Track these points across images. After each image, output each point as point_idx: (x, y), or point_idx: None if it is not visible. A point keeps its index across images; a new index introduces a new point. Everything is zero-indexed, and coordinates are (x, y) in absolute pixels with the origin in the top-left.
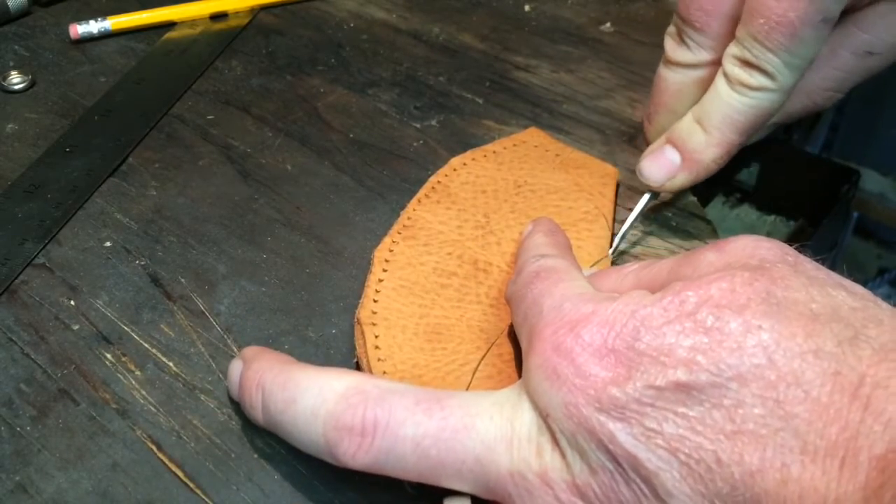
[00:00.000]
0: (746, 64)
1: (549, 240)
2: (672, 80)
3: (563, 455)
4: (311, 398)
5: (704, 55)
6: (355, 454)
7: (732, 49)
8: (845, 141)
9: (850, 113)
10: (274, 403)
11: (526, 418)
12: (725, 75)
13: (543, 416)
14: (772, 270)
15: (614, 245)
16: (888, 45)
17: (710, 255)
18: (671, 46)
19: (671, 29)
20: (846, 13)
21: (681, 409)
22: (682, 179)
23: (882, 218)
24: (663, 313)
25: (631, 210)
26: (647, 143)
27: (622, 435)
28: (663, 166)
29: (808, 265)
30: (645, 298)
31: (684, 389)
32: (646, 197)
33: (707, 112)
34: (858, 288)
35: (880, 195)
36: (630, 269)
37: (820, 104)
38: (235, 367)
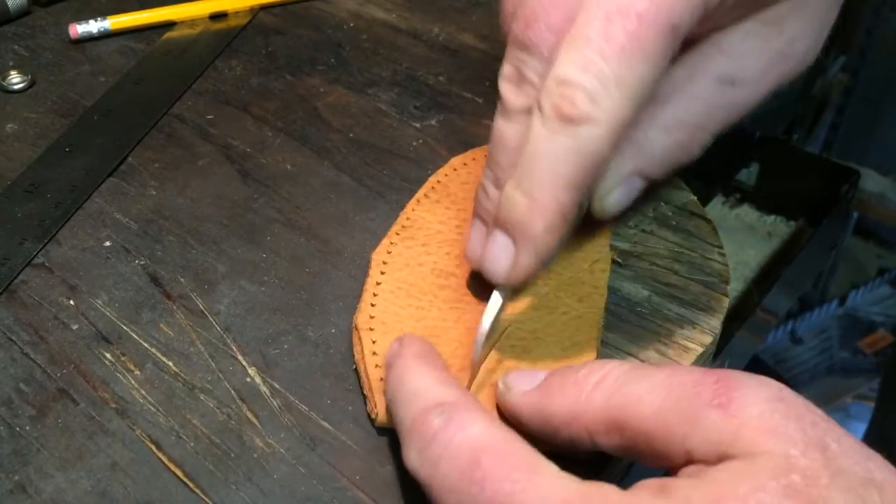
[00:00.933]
0: (565, 84)
1: (434, 373)
2: (518, 134)
3: None
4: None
5: None
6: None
7: (551, 72)
8: (845, 141)
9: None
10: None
11: None
12: (541, 110)
13: None
14: (804, 473)
15: (475, 351)
16: (753, 72)
17: (714, 417)
18: (510, 91)
19: (507, 70)
20: (705, 35)
21: None
22: (523, 264)
23: (882, 218)
24: None
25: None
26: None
27: None
28: (499, 255)
29: (834, 445)
30: None
31: None
32: (496, 296)
33: (525, 171)
34: (888, 475)
35: (880, 195)
36: (592, 380)
37: (684, 144)
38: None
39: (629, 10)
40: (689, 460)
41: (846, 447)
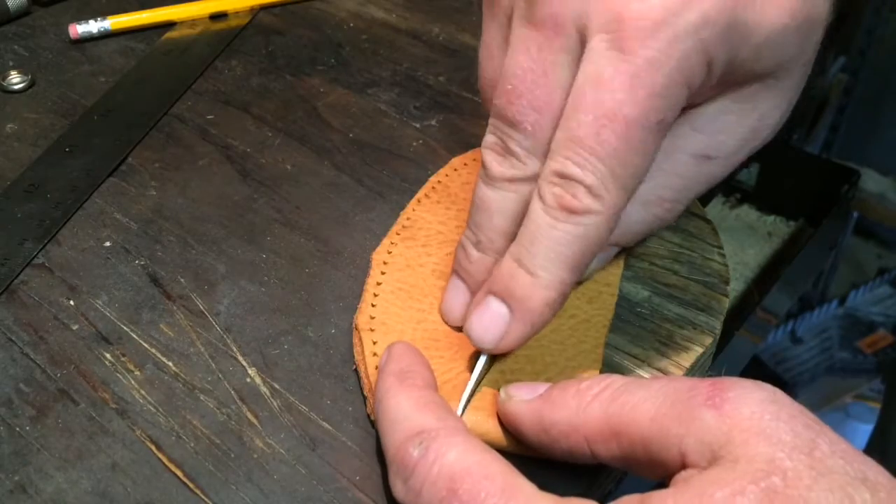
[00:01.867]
0: (566, 179)
1: (412, 395)
2: (503, 200)
3: None
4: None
5: (537, 165)
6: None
7: (549, 164)
8: (845, 141)
9: (850, 113)
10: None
11: None
12: (541, 199)
13: None
14: (785, 475)
15: (460, 409)
16: (724, 147)
17: (708, 417)
18: (494, 160)
19: (490, 139)
20: (681, 112)
21: None
22: (517, 334)
23: (882, 218)
24: None
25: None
26: (471, 285)
27: None
28: (491, 323)
29: (825, 446)
30: None
31: None
32: (482, 360)
33: (527, 249)
34: (882, 478)
35: (880, 195)
36: (592, 392)
37: (663, 218)
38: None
39: (616, 114)
40: (683, 464)
41: (839, 449)
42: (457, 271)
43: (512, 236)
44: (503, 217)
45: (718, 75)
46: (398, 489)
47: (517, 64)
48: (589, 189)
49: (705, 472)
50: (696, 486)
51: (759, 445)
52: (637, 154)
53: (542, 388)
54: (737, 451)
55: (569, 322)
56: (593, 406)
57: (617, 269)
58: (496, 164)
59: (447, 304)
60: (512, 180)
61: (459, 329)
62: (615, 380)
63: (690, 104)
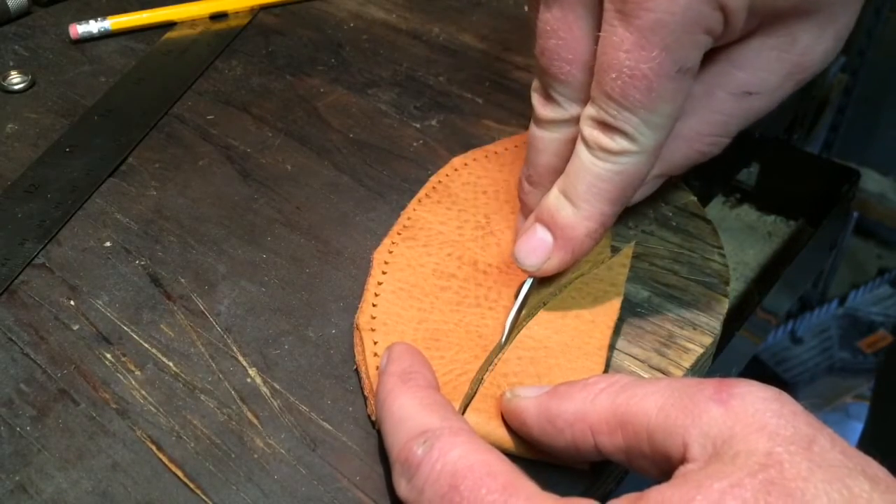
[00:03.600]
0: (604, 126)
1: (415, 394)
2: (549, 139)
3: None
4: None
5: (576, 109)
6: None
7: (588, 110)
8: (845, 141)
9: (850, 113)
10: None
11: None
12: (584, 140)
13: None
14: (782, 467)
15: (504, 335)
16: (766, 83)
17: (714, 411)
18: (539, 103)
19: (536, 84)
20: (719, 50)
21: None
22: (558, 260)
23: (882, 218)
24: None
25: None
26: (526, 214)
27: None
28: (536, 248)
29: (824, 441)
30: None
31: None
32: (527, 284)
33: (572, 183)
34: (882, 473)
35: (880, 195)
36: (600, 386)
37: (706, 151)
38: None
39: (635, 72)
40: (684, 458)
41: (838, 446)
42: (521, 204)
43: (559, 171)
44: (549, 154)
45: (743, 15)
46: (402, 488)
47: (545, 20)
48: (624, 133)
49: (704, 467)
50: (694, 480)
51: (760, 441)
52: (664, 101)
53: (546, 388)
54: (737, 446)
55: (573, 322)
56: (601, 397)
57: (623, 270)
58: (540, 107)
59: (518, 230)
60: (554, 122)
61: (458, 326)
62: (622, 377)
63: (728, 41)
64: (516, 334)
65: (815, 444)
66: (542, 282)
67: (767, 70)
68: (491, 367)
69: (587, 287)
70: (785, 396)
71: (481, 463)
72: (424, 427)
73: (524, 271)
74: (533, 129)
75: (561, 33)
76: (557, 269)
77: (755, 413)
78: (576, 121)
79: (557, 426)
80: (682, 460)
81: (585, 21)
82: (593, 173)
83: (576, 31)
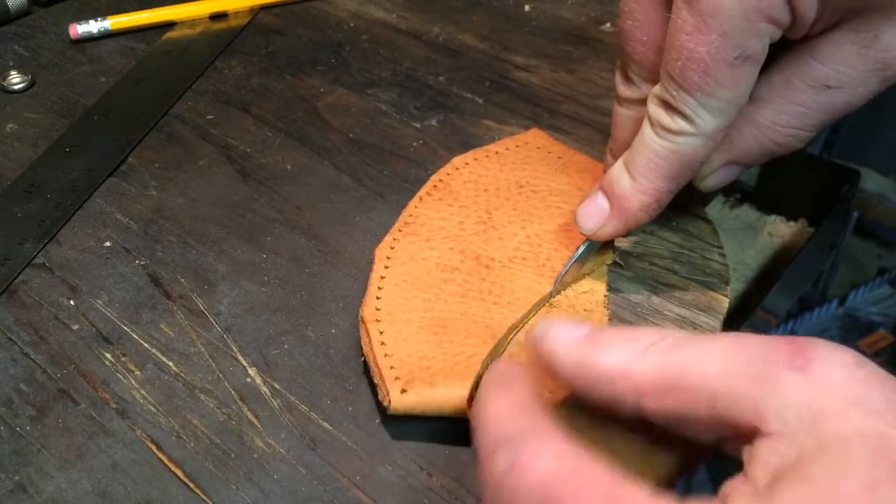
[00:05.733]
0: (666, 105)
1: (509, 401)
2: (626, 116)
3: None
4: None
5: (649, 89)
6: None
7: (655, 89)
8: (845, 141)
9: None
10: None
11: None
12: (648, 117)
13: None
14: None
15: (555, 288)
16: (846, 77)
17: (797, 381)
18: (619, 81)
19: (618, 64)
20: (801, 42)
21: None
22: (612, 228)
23: (882, 218)
24: None
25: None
26: None
27: None
28: (594, 213)
29: None
30: None
31: None
32: (584, 245)
33: (633, 157)
34: None
35: (880, 195)
36: (650, 339)
37: (783, 143)
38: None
39: (694, 55)
40: (757, 429)
41: None
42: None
43: None
44: (625, 131)
45: (814, 8)
46: (487, 499)
47: (625, 2)
48: (683, 114)
49: (812, 461)
50: (819, 479)
51: (861, 420)
52: (721, 86)
53: (583, 328)
54: (838, 426)
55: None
56: (650, 354)
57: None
58: (620, 85)
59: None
60: (630, 100)
61: (464, 315)
62: (673, 332)
63: (806, 34)
64: (556, 293)
65: None
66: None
67: (847, 65)
68: (518, 329)
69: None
70: (864, 360)
71: (578, 469)
72: (511, 432)
73: (581, 233)
74: (615, 105)
75: (637, 15)
76: (611, 235)
77: (843, 384)
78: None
79: (593, 381)
80: (753, 430)
81: (660, 5)
82: (652, 149)
83: (651, 14)
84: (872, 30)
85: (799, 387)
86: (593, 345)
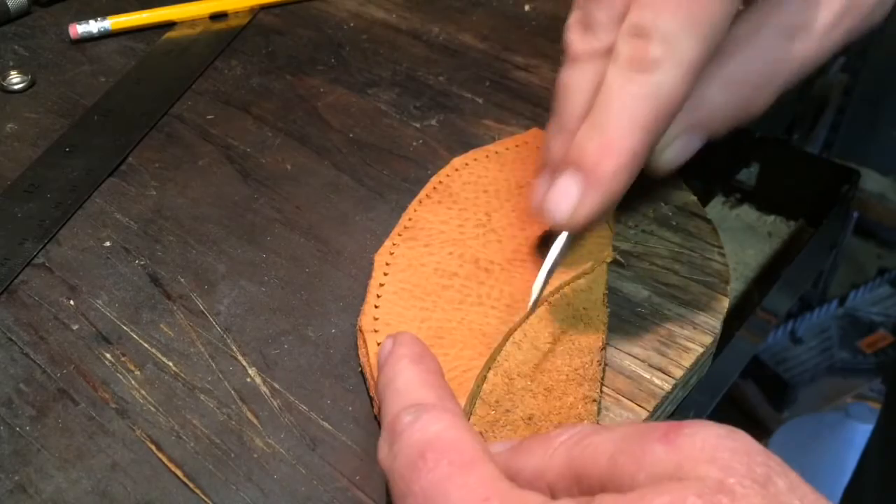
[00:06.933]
0: (640, 33)
1: (420, 375)
2: (582, 78)
3: None
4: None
5: (614, 37)
6: None
7: (627, 21)
8: (845, 141)
9: (850, 113)
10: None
11: None
12: (616, 58)
13: None
14: (734, 496)
15: (534, 297)
16: (819, 23)
17: (659, 450)
18: (577, 36)
19: (575, 16)
20: None
21: None
22: (588, 204)
23: (882, 218)
24: None
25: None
26: (551, 173)
27: None
28: (563, 196)
29: (781, 483)
30: None
31: None
32: (561, 238)
33: (601, 110)
34: None
35: (880, 195)
36: (560, 439)
37: (747, 99)
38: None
39: None
40: None
41: (800, 490)
42: (543, 165)
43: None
44: (583, 95)
45: None
46: (383, 453)
47: None
48: (662, 38)
49: (642, 494)
50: (639, 492)
51: (710, 471)
52: (708, 5)
53: (513, 443)
54: (685, 476)
55: (569, 320)
56: (559, 451)
57: (602, 315)
58: (578, 40)
59: (534, 197)
60: (592, 54)
61: (462, 325)
62: (585, 427)
63: None
64: (538, 303)
65: (772, 484)
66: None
67: (818, 5)
68: (498, 359)
69: (567, 347)
70: (739, 433)
71: (455, 438)
72: (419, 400)
73: (554, 227)
74: (564, 73)
75: None
76: (588, 216)
77: (704, 448)
78: (611, 53)
79: (519, 486)
80: None
81: None
82: (623, 97)
83: None
84: None
85: (662, 455)
86: (517, 453)
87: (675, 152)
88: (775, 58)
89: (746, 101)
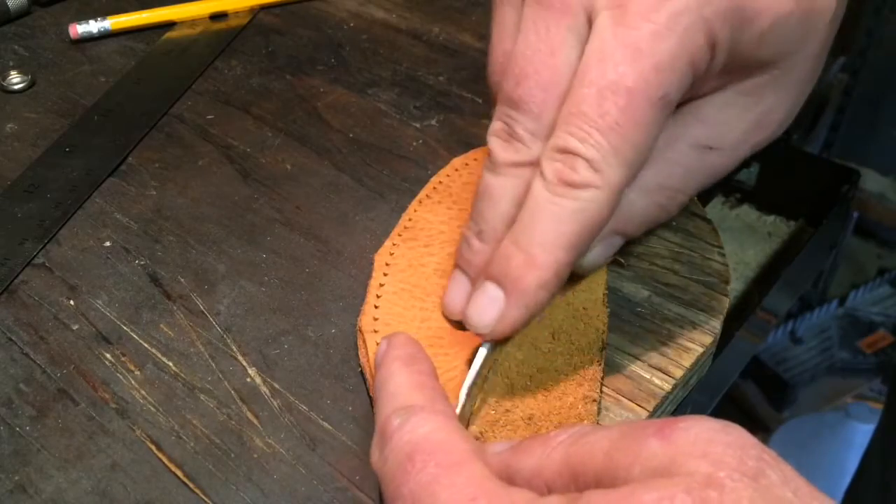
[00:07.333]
0: (567, 153)
1: (412, 377)
2: (507, 187)
3: None
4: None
5: (540, 148)
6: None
7: (551, 141)
8: (845, 141)
9: (850, 113)
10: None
11: None
12: (543, 175)
13: None
14: (723, 490)
15: (460, 404)
16: (729, 140)
17: (654, 445)
18: (499, 146)
19: (496, 126)
20: (685, 104)
21: None
22: (511, 317)
23: (882, 218)
24: None
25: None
26: (475, 280)
27: None
28: (486, 307)
29: (774, 476)
30: None
31: None
32: (483, 350)
33: (525, 227)
34: None
35: (880, 195)
36: (559, 439)
37: (663, 206)
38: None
39: (619, 86)
40: None
41: (792, 483)
42: (459, 264)
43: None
44: (506, 203)
45: (722, 61)
46: (374, 456)
47: (527, 44)
48: (589, 163)
49: (633, 488)
50: (628, 489)
51: (701, 465)
52: (639, 129)
53: (513, 443)
54: (677, 470)
55: (569, 322)
56: (557, 451)
57: (603, 316)
58: (501, 150)
59: (449, 297)
60: (516, 165)
61: (461, 325)
62: (582, 427)
63: (695, 94)
64: (472, 404)
65: (764, 477)
66: (498, 346)
67: (729, 125)
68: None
69: (567, 351)
70: (735, 427)
71: (444, 440)
72: (410, 402)
73: (478, 335)
74: (487, 179)
75: (543, 59)
76: (511, 328)
77: (696, 442)
78: (537, 164)
79: (517, 485)
80: None
81: (571, 48)
82: (550, 214)
83: (559, 57)
84: (758, 92)
85: (657, 449)
86: (516, 453)
87: (596, 256)
88: (689, 168)
89: (664, 206)
